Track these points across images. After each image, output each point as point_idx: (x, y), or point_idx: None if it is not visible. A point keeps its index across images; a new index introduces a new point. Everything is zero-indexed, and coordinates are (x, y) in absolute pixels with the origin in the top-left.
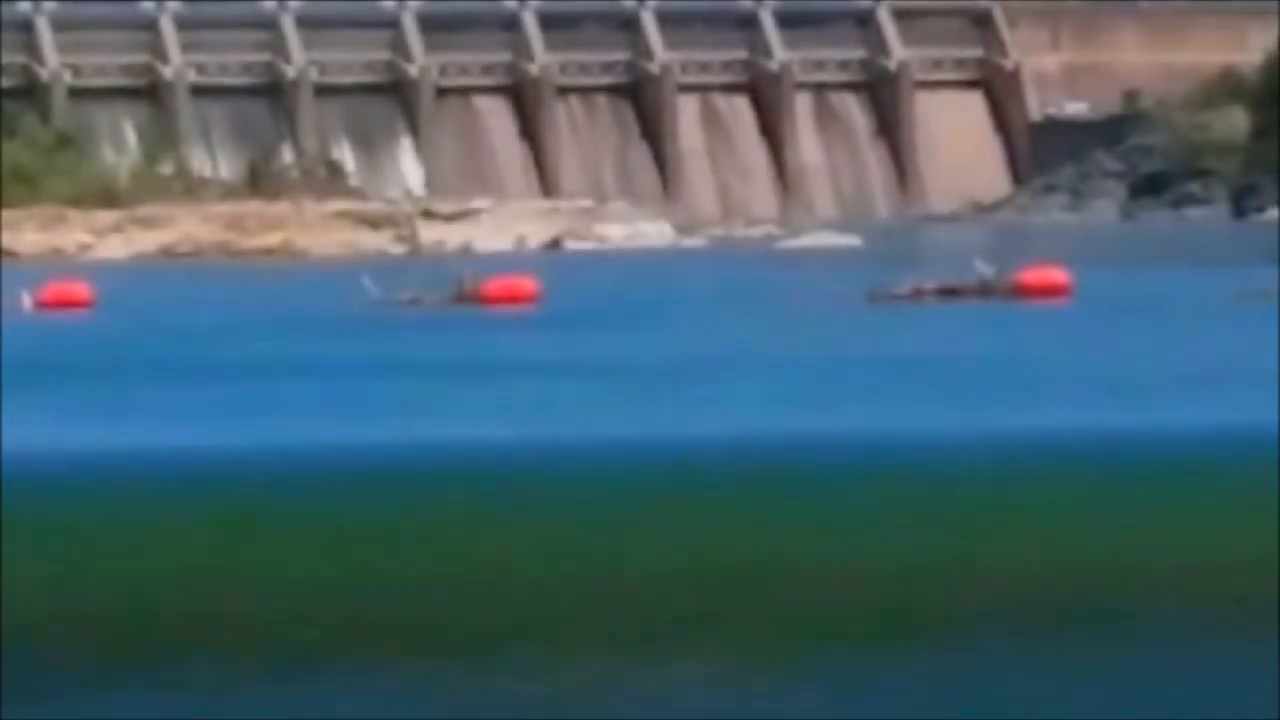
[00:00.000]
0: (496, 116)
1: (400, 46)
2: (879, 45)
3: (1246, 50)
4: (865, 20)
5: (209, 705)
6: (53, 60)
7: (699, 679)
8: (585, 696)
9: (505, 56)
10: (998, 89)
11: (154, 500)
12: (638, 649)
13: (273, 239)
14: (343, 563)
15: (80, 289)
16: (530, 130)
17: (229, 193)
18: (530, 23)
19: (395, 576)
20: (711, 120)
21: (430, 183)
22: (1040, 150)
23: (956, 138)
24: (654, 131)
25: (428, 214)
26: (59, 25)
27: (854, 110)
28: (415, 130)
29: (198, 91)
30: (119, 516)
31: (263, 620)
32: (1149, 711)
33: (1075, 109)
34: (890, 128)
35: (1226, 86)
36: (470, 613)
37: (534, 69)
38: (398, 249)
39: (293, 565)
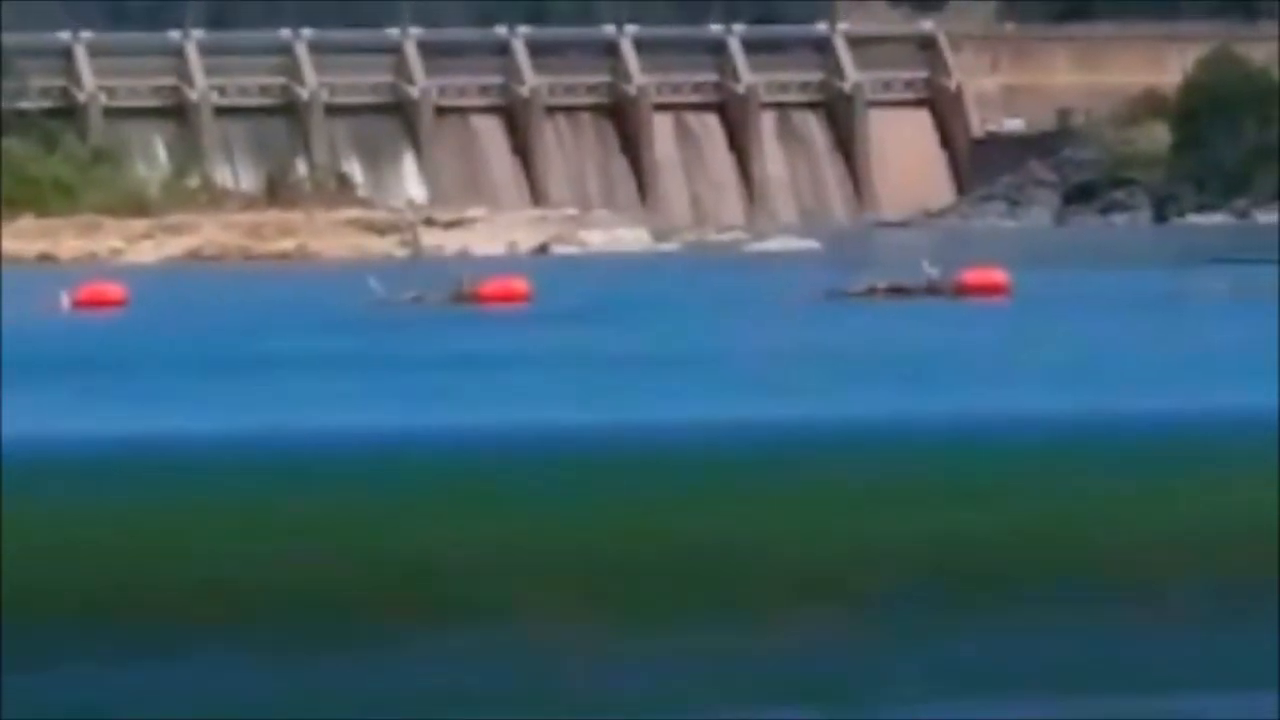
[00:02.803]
0: (490, 134)
1: (403, 70)
2: (835, 69)
3: (1167, 72)
4: (823, 46)
5: (231, 677)
6: (89, 83)
7: (682, 650)
8: (574, 667)
9: (498, 79)
10: (943, 108)
11: (177, 482)
12: (621, 621)
13: (288, 244)
14: (348, 541)
15: (114, 289)
16: (521, 146)
17: (249, 203)
18: (520, 48)
19: (397, 554)
20: (684, 136)
21: (431, 193)
22: (981, 162)
23: (906, 151)
24: (632, 147)
25: (429, 221)
26: (95, 52)
27: (813, 127)
28: (417, 146)
29: (220, 112)
30: (145, 497)
31: (275, 594)
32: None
33: (1013, 125)
34: (846, 143)
35: (1149, 105)
36: (465, 588)
37: (524, 90)
38: (401, 253)
39: (303, 544)
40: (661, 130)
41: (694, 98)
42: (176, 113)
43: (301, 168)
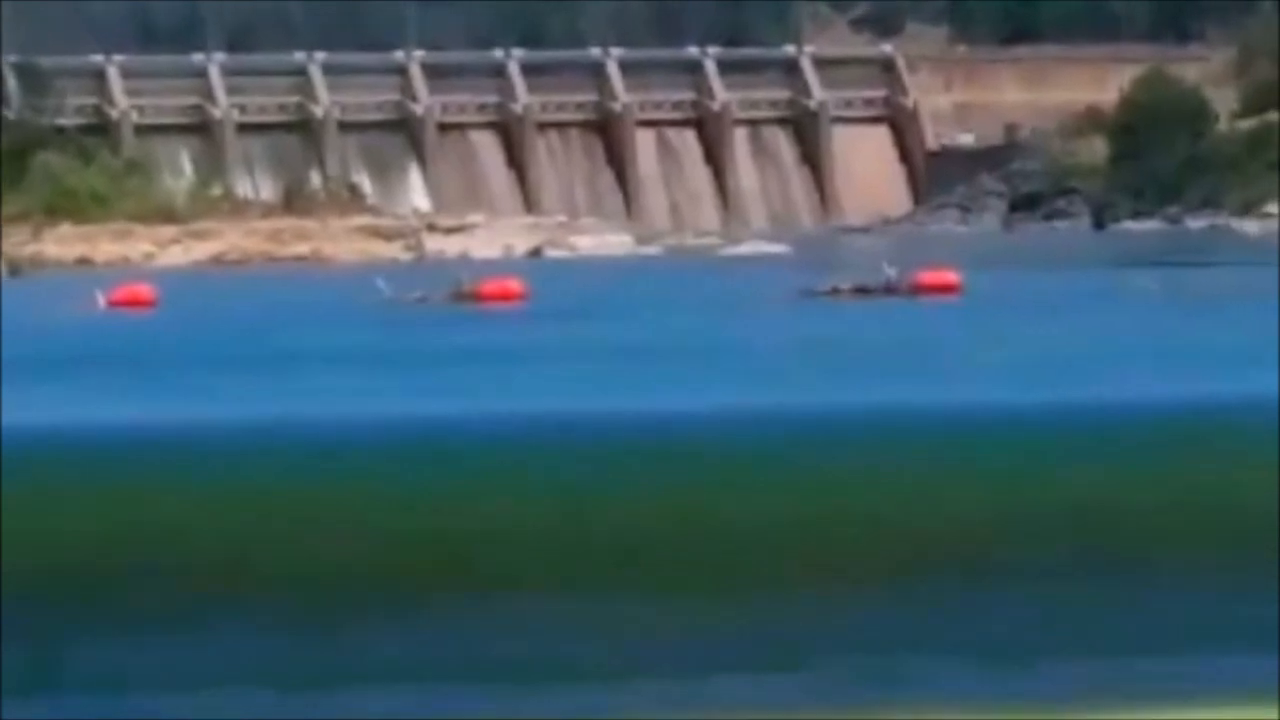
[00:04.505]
0: (488, 148)
1: (408, 90)
2: (802, 88)
3: (1106, 90)
4: (791, 67)
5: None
6: (122, 102)
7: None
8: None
9: (494, 98)
10: (901, 124)
11: (201, 466)
12: (614, 593)
13: (304, 249)
14: (358, 522)
15: (146, 290)
16: (516, 159)
17: (268, 211)
18: (515, 69)
19: (402, 533)
20: (665, 151)
21: (434, 202)
22: (936, 174)
23: (867, 164)
24: (617, 160)
25: (431, 228)
26: (125, 73)
27: (782, 142)
28: (421, 159)
29: (241, 128)
30: (173, 480)
31: (290, 572)
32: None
33: (965, 140)
34: (812, 156)
35: (1090, 120)
36: (467, 566)
37: (518, 108)
38: (407, 257)
39: (314, 525)
40: (644, 145)
41: (673, 115)
42: (201, 129)
43: (316, 179)
